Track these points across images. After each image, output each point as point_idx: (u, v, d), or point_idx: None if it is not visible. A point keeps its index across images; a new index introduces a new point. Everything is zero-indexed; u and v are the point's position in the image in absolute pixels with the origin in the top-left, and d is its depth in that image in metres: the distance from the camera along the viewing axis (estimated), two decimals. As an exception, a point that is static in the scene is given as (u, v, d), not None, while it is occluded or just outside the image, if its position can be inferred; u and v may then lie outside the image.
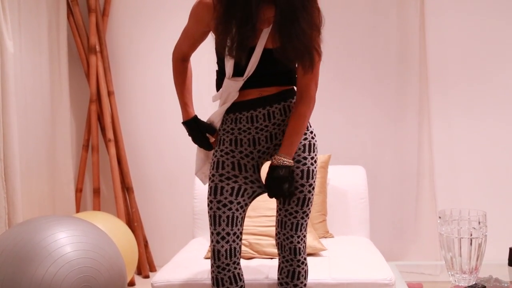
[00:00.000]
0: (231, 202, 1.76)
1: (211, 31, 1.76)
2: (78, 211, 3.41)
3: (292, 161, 1.75)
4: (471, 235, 2.08)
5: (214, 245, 1.77)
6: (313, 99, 1.79)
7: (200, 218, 2.76)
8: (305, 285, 1.87)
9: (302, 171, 1.79)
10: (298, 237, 1.82)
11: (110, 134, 3.37)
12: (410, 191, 3.40)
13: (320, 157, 2.76)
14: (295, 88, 1.84)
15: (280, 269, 1.88)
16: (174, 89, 4.02)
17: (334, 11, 3.38)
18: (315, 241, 2.37)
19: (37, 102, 3.05)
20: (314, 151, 1.83)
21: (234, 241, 1.77)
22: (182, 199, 3.57)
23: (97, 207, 3.40)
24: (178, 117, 3.69)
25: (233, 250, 1.77)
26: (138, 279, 3.40)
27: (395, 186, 3.43)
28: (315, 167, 1.82)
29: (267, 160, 1.85)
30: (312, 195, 1.82)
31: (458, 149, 3.36)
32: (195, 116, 1.91)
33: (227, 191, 1.77)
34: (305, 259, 1.87)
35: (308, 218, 1.84)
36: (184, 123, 1.93)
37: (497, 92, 3.31)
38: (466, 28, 3.30)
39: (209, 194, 1.80)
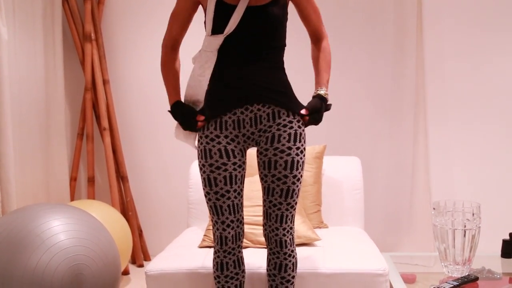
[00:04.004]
0: (228, 192, 1.77)
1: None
2: (72, 199, 3.40)
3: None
4: (464, 226, 2.08)
5: (220, 232, 1.80)
6: (326, 35, 1.90)
7: (195, 208, 2.75)
8: (293, 277, 1.86)
9: (286, 161, 1.75)
10: (284, 229, 1.80)
11: (105, 123, 3.36)
12: (404, 182, 3.41)
13: (316, 147, 2.75)
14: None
15: (268, 261, 1.88)
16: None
17: (330, 3, 3.37)
18: (310, 231, 2.37)
19: (31, 90, 3.02)
20: (300, 141, 1.77)
21: (238, 226, 1.82)
22: (177, 188, 3.57)
23: (91, 196, 3.39)
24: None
25: (237, 235, 1.82)
26: (132, 268, 3.40)
27: (390, 177, 3.45)
28: (300, 158, 1.77)
29: (252, 146, 1.83)
30: (297, 186, 1.78)
31: (453, 141, 3.37)
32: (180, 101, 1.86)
33: (220, 181, 1.77)
34: (292, 251, 1.84)
35: (294, 210, 1.81)
36: (172, 109, 1.84)
37: (493, 85, 3.31)
38: (463, 20, 3.30)
39: (204, 186, 1.80)
